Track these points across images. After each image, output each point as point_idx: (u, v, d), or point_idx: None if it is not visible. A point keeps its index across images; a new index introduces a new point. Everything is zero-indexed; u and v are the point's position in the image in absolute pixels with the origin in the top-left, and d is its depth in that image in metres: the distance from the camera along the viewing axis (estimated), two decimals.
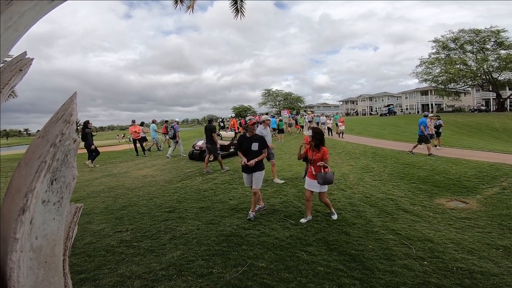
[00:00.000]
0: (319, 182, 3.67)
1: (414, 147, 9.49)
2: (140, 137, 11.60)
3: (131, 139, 11.88)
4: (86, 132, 8.74)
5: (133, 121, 11.92)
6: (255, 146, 4.04)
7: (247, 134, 4.17)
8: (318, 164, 3.70)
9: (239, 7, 7.76)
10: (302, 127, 21.68)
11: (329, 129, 17.94)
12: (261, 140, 4.13)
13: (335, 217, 3.96)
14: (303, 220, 3.84)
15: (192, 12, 7.99)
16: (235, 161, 9.37)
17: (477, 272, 2.54)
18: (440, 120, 11.62)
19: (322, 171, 3.72)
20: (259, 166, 4.05)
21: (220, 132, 12.58)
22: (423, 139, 9.17)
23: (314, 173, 3.78)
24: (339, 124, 16.62)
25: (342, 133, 16.60)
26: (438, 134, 11.45)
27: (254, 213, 4.08)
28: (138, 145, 11.75)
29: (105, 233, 3.58)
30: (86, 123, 9.03)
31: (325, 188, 3.87)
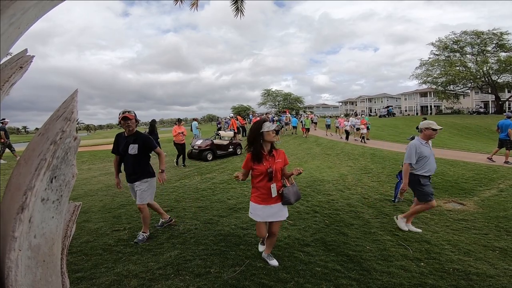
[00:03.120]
0: (289, 201, 2.52)
1: (494, 153, 8.21)
2: (184, 141, 8.73)
3: (174, 143, 8.80)
4: (155, 128, 9.64)
5: (180, 120, 9.18)
6: (133, 149, 3.08)
7: (125, 133, 3.19)
8: (296, 171, 2.49)
9: (239, 6, 7.79)
10: (308, 129, 16.59)
11: (347, 132, 14.92)
12: (144, 140, 3.13)
13: (266, 259, 2.75)
14: (274, 263, 2.69)
15: (196, 9, 8.00)
16: (233, 161, 9.37)
17: (473, 274, 2.56)
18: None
19: (288, 184, 2.60)
20: (142, 174, 3.16)
21: (219, 132, 12.70)
22: (507, 144, 7.76)
23: (265, 194, 2.50)
24: (362, 126, 13.98)
25: (364, 138, 13.91)
26: None
27: (144, 234, 3.23)
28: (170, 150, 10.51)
29: (102, 231, 3.57)
30: (154, 121, 9.86)
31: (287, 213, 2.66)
